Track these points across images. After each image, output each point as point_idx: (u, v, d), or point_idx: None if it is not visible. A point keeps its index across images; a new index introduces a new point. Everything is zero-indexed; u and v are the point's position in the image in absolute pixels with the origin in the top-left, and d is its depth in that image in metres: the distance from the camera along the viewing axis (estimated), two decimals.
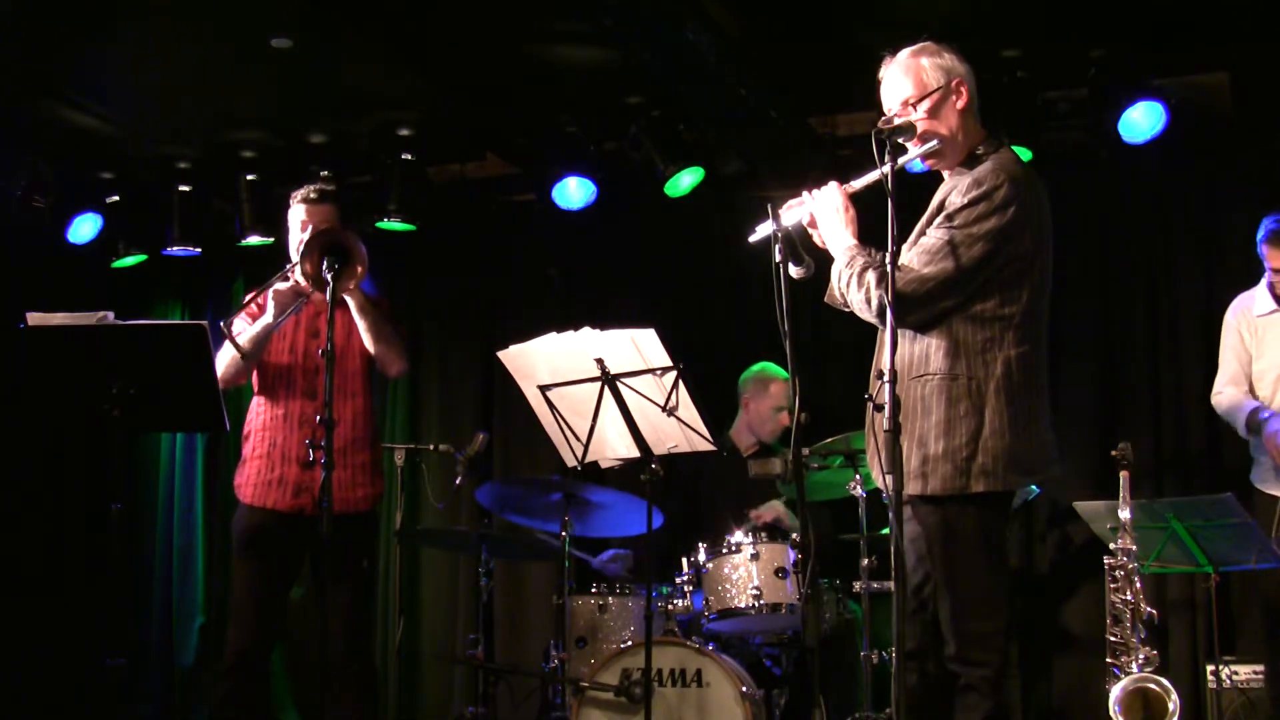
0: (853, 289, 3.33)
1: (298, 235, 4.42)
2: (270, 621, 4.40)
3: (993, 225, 3.25)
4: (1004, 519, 3.39)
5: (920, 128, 3.34)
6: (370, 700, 4.54)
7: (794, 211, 3.47)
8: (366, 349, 4.44)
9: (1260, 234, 4.89)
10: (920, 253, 3.30)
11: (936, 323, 3.30)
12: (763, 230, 3.48)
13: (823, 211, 3.43)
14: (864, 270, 3.31)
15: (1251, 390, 4.97)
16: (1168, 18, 5.10)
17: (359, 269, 4.08)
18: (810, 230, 3.49)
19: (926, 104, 3.38)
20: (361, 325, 4.37)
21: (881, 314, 3.25)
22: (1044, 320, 3.39)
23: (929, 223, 3.36)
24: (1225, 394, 5.02)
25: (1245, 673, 4.97)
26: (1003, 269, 3.28)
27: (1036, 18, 5.16)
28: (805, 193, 3.48)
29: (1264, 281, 4.97)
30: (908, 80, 3.41)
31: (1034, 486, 5.14)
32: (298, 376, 4.42)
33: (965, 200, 3.27)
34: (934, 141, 3.37)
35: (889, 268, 3.12)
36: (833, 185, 3.43)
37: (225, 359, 4.31)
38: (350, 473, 4.40)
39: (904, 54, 3.45)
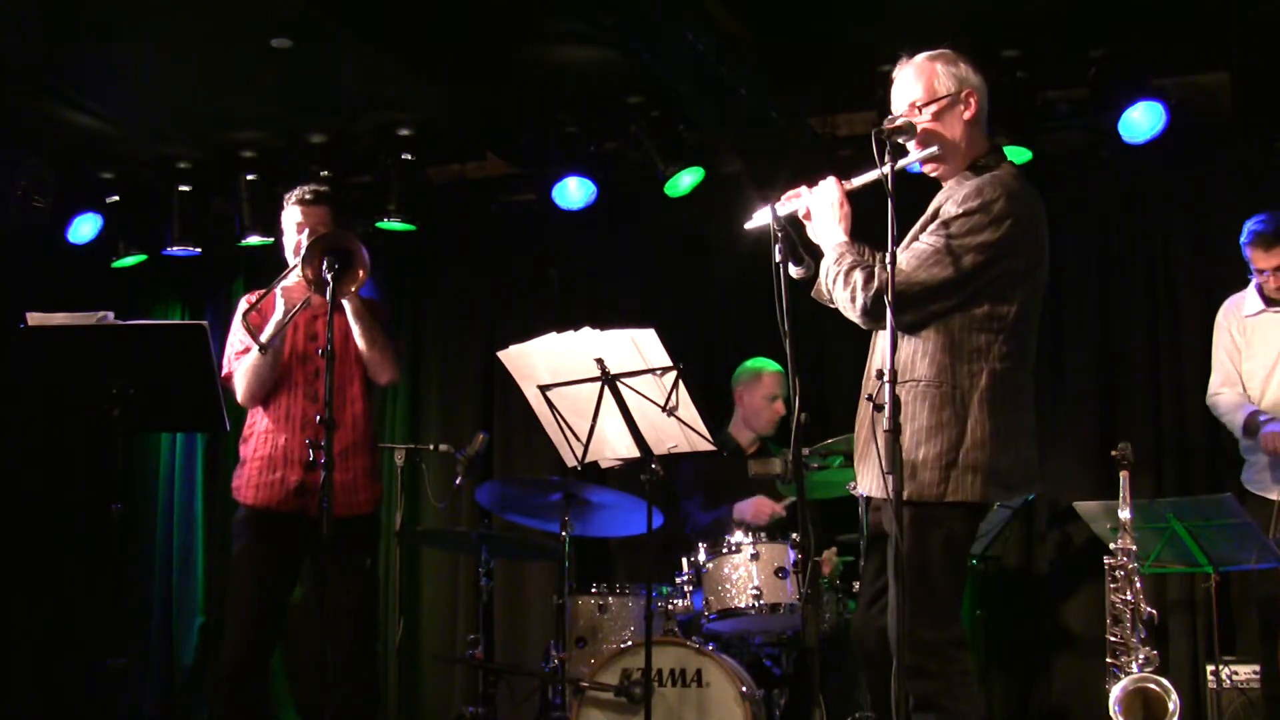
0: (839, 286, 3.32)
1: (293, 237, 4.38)
2: (270, 624, 4.37)
3: (986, 238, 3.23)
4: (973, 531, 3.37)
5: (920, 129, 3.33)
6: (372, 701, 4.53)
7: (790, 204, 3.46)
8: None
9: (1244, 237, 4.95)
10: (911, 256, 3.27)
11: (922, 327, 3.28)
12: (759, 218, 3.47)
13: (818, 206, 3.41)
14: (851, 269, 3.30)
15: (1243, 388, 5.03)
16: (1168, 18, 5.10)
17: (360, 273, 4.04)
18: (805, 222, 3.46)
19: (933, 108, 3.36)
20: (356, 330, 4.33)
21: (865, 313, 3.26)
22: (1033, 338, 3.36)
23: (923, 229, 3.34)
24: (1222, 395, 5.08)
25: (1245, 673, 4.97)
26: (994, 282, 3.26)
27: (1036, 18, 5.15)
28: (804, 186, 3.46)
29: (1253, 283, 5.02)
30: (919, 83, 3.39)
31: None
32: (298, 380, 4.39)
33: (961, 210, 3.26)
34: (934, 148, 3.35)
35: (886, 267, 3.11)
36: (831, 180, 3.41)
37: (248, 363, 4.29)
38: (352, 476, 4.38)
39: (920, 57, 3.43)
